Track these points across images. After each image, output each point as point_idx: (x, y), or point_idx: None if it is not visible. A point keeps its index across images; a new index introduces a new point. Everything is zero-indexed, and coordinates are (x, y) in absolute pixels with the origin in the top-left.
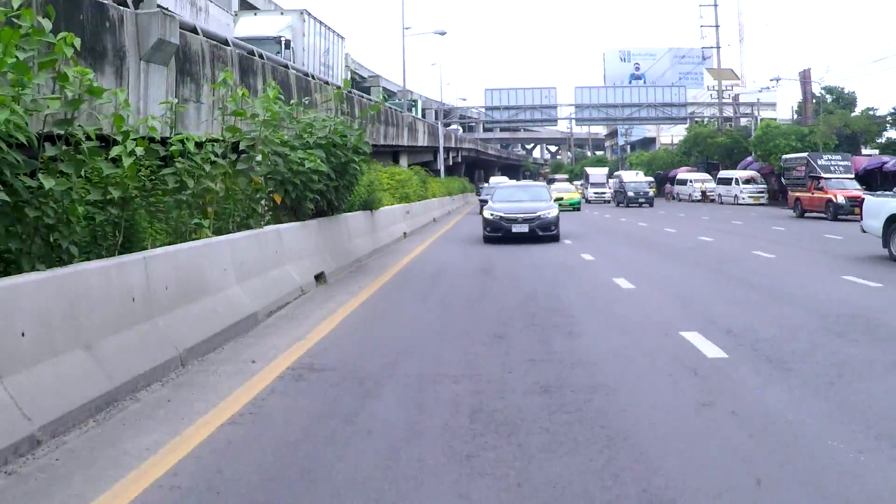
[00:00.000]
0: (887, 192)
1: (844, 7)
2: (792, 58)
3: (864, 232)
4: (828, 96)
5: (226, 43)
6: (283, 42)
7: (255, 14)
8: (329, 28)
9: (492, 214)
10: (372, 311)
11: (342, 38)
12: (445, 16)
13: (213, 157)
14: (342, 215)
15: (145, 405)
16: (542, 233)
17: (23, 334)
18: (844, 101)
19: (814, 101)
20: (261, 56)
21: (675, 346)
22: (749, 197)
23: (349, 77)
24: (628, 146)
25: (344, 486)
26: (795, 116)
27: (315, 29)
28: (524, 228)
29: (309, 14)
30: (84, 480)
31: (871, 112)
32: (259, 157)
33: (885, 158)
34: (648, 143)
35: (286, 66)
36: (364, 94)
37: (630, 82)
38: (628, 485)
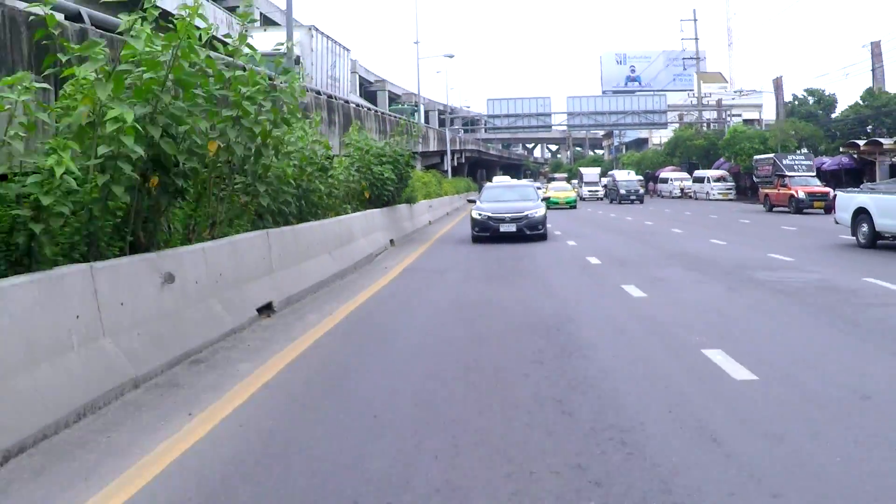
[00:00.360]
0: (855, 189)
1: (832, 15)
2: (780, 60)
3: (838, 223)
4: (809, 98)
5: (319, 93)
6: (292, 59)
7: (266, 30)
8: (335, 41)
9: (480, 214)
10: (431, 254)
11: (347, 49)
12: (449, 20)
13: (353, 172)
14: (398, 206)
15: (351, 280)
16: (530, 232)
17: (314, 245)
18: (825, 102)
19: (795, 102)
20: (335, 98)
21: (580, 262)
22: (718, 193)
23: (357, 83)
24: (623, 147)
25: (442, 291)
26: (776, 118)
27: (322, 44)
28: (512, 228)
29: (317, 30)
30: (341, 299)
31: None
32: (363, 170)
33: (825, 160)
34: (641, 143)
35: (347, 102)
36: (394, 115)
37: (626, 84)
38: (542, 287)
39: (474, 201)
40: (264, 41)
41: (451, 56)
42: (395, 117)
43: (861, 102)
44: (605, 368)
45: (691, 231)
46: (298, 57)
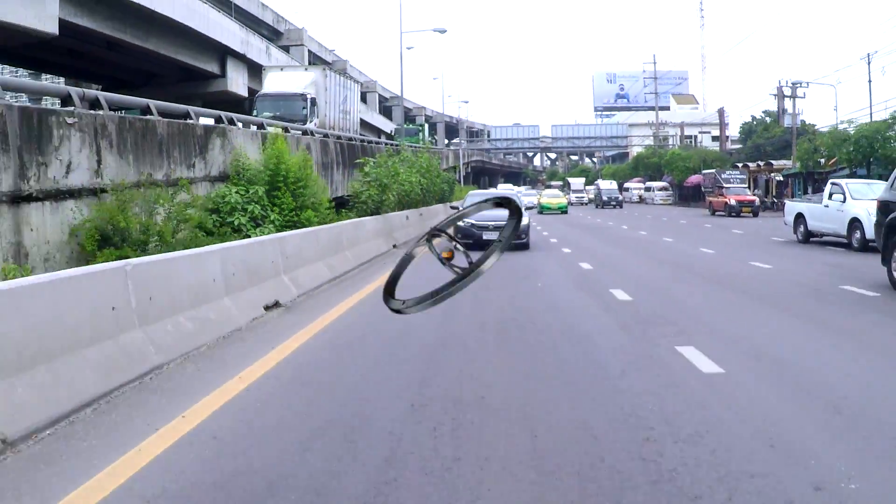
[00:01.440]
0: (797, 199)
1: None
2: (751, 81)
3: (786, 224)
4: (767, 118)
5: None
6: (308, 100)
7: (282, 70)
8: (345, 77)
9: (463, 222)
10: None
11: (358, 83)
12: (455, 33)
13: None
14: (447, 202)
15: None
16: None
17: (408, 218)
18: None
19: (754, 122)
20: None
21: (550, 246)
22: (660, 200)
23: (377, 100)
24: (609, 159)
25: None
26: (737, 135)
27: (335, 81)
28: (495, 236)
29: (330, 68)
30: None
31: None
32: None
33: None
34: (624, 156)
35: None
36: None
37: (615, 101)
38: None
39: (457, 208)
40: (284, 82)
41: (467, 102)
42: (432, 148)
43: (760, 135)
44: None
45: (636, 226)
46: (314, 99)
